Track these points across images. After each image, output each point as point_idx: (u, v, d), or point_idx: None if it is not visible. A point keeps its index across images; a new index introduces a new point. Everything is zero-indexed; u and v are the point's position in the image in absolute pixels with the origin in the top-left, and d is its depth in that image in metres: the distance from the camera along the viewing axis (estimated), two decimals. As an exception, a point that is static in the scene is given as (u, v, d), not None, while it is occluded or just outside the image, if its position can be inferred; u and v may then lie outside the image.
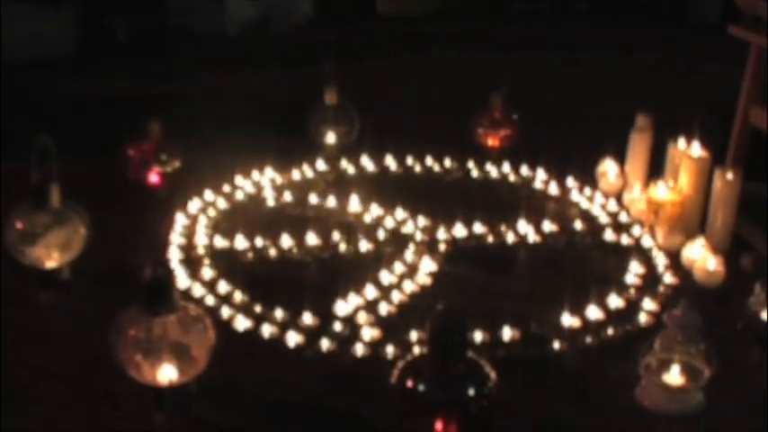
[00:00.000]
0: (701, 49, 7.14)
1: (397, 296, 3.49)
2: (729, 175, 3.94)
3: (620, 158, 4.51)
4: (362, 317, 3.33)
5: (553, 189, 4.56)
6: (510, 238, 4.03)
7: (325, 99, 4.89)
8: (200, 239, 3.93)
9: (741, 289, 3.48)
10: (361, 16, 8.27)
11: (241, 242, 3.87)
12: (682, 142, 4.15)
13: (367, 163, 4.76)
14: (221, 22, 7.54)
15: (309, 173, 4.67)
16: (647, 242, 4.02)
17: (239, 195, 4.40)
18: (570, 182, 4.56)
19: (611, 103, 5.65)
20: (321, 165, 4.73)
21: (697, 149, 4.10)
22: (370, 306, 3.40)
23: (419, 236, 3.98)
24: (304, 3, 8.04)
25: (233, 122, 5.38)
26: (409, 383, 2.60)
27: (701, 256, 3.75)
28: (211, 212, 4.20)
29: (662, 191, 4.05)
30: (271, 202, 4.40)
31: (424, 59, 7.07)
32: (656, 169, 4.31)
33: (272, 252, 3.85)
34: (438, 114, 5.63)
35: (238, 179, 4.48)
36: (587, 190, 4.50)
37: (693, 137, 4.12)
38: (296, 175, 4.63)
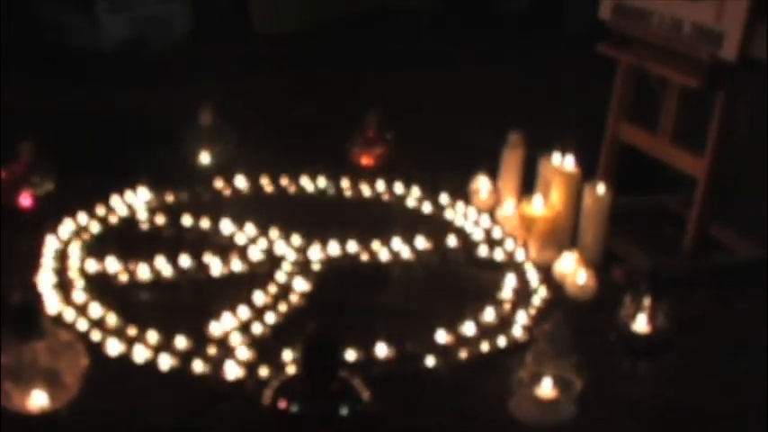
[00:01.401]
0: (572, 63, 7.25)
1: (270, 317, 3.48)
2: (600, 190, 4.02)
3: (493, 174, 4.56)
4: (236, 338, 3.30)
5: (427, 207, 4.59)
6: (384, 256, 4.05)
7: (200, 119, 4.85)
8: (73, 263, 3.85)
9: (612, 301, 3.55)
10: (237, 34, 8.23)
11: (114, 265, 3.82)
12: (553, 158, 4.21)
13: (241, 183, 4.72)
14: (96, 40, 7.42)
15: (184, 194, 4.62)
16: (520, 257, 4.07)
17: (113, 217, 4.34)
18: (444, 199, 4.59)
19: (483, 119, 5.71)
20: (196, 185, 4.68)
21: (568, 164, 4.17)
22: (244, 327, 3.38)
23: (293, 256, 3.97)
24: (181, 20, 7.97)
25: (108, 142, 5.30)
26: (282, 404, 2.59)
27: (573, 270, 3.82)
28: (84, 235, 4.13)
29: (534, 206, 4.11)
30: (144, 224, 4.34)
31: (300, 77, 7.06)
32: (528, 185, 4.37)
33: (146, 275, 3.79)
34: (313, 133, 5.62)
35: (112, 201, 4.41)
36: (461, 206, 4.53)
37: (565, 152, 4.19)
38: (170, 196, 4.58)
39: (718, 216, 4.32)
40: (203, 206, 4.51)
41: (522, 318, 3.56)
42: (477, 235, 4.30)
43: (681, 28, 4.16)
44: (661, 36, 4.24)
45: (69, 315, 3.44)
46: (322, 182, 4.78)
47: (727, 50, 3.91)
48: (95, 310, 3.46)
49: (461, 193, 4.60)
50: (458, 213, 4.51)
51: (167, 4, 7.83)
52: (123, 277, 3.79)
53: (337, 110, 5.91)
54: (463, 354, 3.31)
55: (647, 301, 3.41)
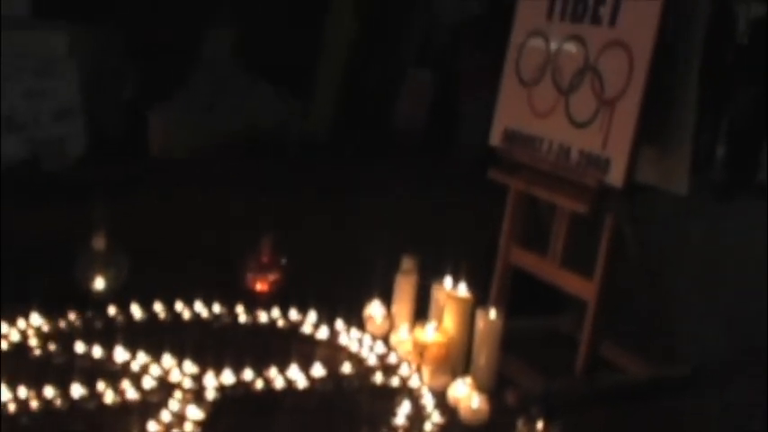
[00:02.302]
0: (466, 188, 7.35)
1: (164, 446, 3.43)
2: (492, 315, 4.06)
3: (387, 300, 4.58)
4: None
5: (322, 333, 4.58)
6: (279, 383, 4.02)
7: (94, 243, 4.81)
8: (-41, 391, 3.76)
9: (506, 425, 3.58)
10: (132, 156, 8.22)
11: (3, 393, 3.73)
12: (446, 283, 4.26)
13: (135, 310, 4.67)
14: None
15: (76, 320, 4.55)
16: (414, 383, 4.08)
17: (3, 344, 4.25)
18: (339, 325, 4.59)
19: (377, 245, 5.75)
20: (88, 312, 4.61)
21: (461, 290, 4.22)
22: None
23: (187, 383, 3.92)
24: (76, 141, 7.94)
25: (-1, 266, 5.22)
26: None
27: (466, 395, 3.84)
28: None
29: (427, 332, 4.13)
30: (36, 351, 4.26)
31: (196, 201, 7.06)
32: (421, 310, 4.40)
33: (35, 403, 3.71)
34: (208, 258, 5.60)
35: (3, 327, 4.32)
36: (355, 332, 4.54)
37: (457, 277, 4.24)
38: (62, 322, 4.50)
39: (609, 335, 4.39)
40: (96, 333, 4.44)
41: (416, 444, 3.56)
42: (372, 361, 4.30)
43: (569, 155, 4.28)
44: (549, 162, 4.36)
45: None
46: (217, 308, 4.74)
47: (614, 177, 4.03)
48: (-19, 442, 3.38)
49: (356, 318, 4.61)
50: (353, 339, 4.51)
51: (62, 125, 7.80)
52: (12, 406, 3.70)
53: (232, 235, 5.90)
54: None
55: (539, 425, 3.45)
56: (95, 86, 8.33)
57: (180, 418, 3.65)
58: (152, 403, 3.78)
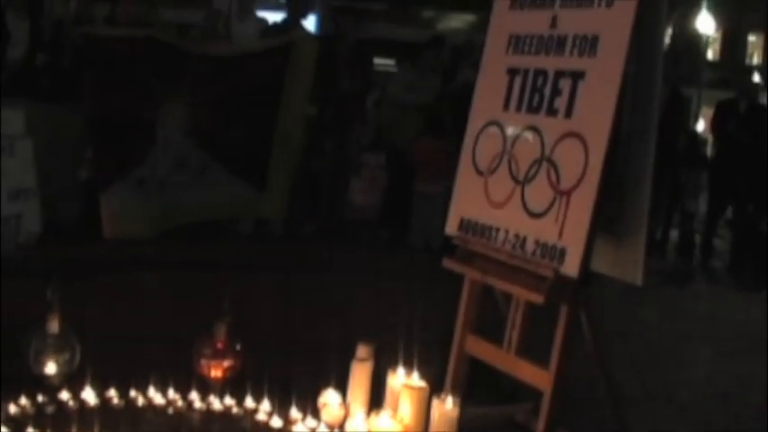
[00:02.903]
0: (422, 276, 7.39)
1: None
2: (448, 403, 4.06)
3: (342, 388, 4.56)
4: None
5: (276, 422, 4.54)
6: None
7: (47, 326, 4.76)
8: None
9: None
10: (89, 236, 8.17)
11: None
12: (401, 371, 4.25)
13: (88, 395, 4.62)
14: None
15: (28, 405, 4.49)
16: (370, 472, 4.06)
17: (-50, 430, 4.20)
18: (294, 413, 4.56)
19: (333, 331, 5.73)
20: (40, 397, 4.56)
21: (416, 378, 4.22)
22: None
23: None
24: (32, 220, 7.89)
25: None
26: None
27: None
28: None
29: (383, 421, 4.12)
30: (-16, 437, 4.21)
31: (149, 284, 7.03)
32: (377, 399, 4.39)
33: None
34: (162, 342, 5.56)
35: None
36: (310, 421, 4.51)
37: (413, 366, 4.24)
38: (13, 408, 4.44)
39: (564, 423, 4.39)
40: (48, 418, 4.38)
41: None
42: (327, 450, 4.28)
43: (524, 244, 4.32)
44: (505, 252, 4.39)
45: None
46: (171, 393, 4.70)
47: (569, 267, 4.07)
48: None
49: (311, 406, 4.58)
50: (308, 428, 4.47)
51: (18, 204, 7.76)
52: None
53: (187, 318, 5.87)
54: None
55: None
56: (52, 166, 8.31)
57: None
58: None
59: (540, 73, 4.53)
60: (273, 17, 10.67)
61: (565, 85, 4.38)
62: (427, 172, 9.73)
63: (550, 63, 4.49)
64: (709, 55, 51.79)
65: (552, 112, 4.40)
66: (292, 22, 10.24)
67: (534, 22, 4.64)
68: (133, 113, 8.10)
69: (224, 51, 8.87)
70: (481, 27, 8.04)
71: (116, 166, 8.01)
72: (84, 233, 8.31)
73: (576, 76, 4.33)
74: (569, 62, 4.39)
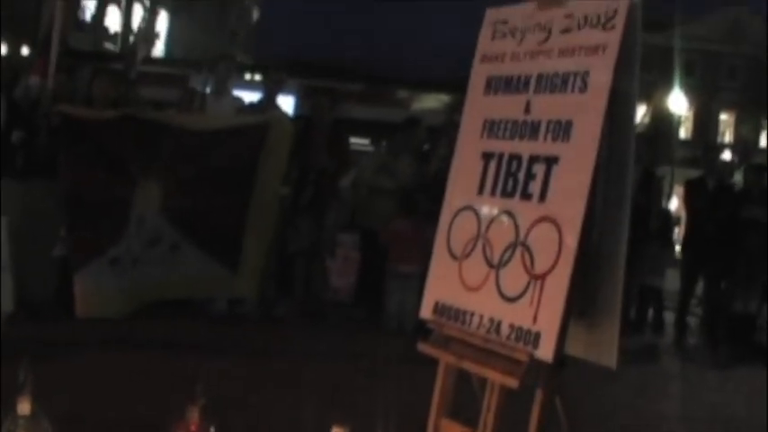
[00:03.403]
0: (396, 357, 7.38)
1: None
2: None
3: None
4: None
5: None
6: None
7: (18, 408, 4.71)
8: None
9: None
10: (62, 316, 8.13)
11: None
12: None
13: (59, 479, 4.57)
14: None
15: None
16: None
17: None
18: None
19: (309, 413, 5.70)
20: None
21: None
22: None
23: None
24: (5, 299, 7.84)
25: None
26: None
27: None
28: None
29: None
30: None
31: (122, 364, 6.98)
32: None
33: None
34: (134, 424, 5.51)
35: None
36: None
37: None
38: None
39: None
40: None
41: None
42: None
43: (499, 329, 4.33)
44: (480, 336, 4.39)
45: None
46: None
47: (544, 351, 4.07)
48: None
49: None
50: None
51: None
52: None
53: (160, 399, 5.82)
54: None
55: None
56: (26, 243, 8.28)
57: None
58: None
59: (515, 158, 4.57)
60: (249, 96, 10.73)
61: (539, 169, 4.42)
62: (400, 253, 9.74)
63: (525, 148, 4.53)
64: (682, 134, 52.65)
65: (527, 196, 4.44)
66: (268, 102, 10.31)
67: (509, 107, 4.70)
68: (108, 192, 8.11)
69: (201, 124, 8.91)
70: (457, 107, 8.10)
71: (90, 245, 8.00)
72: (57, 312, 8.27)
73: (550, 160, 4.37)
74: (543, 147, 4.43)
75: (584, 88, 4.33)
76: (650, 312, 12.37)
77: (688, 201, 11.88)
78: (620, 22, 4.26)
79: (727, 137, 57.62)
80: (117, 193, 8.15)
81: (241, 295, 9.06)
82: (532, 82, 4.62)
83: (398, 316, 9.58)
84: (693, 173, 13.92)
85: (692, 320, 12.62)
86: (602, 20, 4.33)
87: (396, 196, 10.22)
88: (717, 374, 9.64)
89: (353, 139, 13.10)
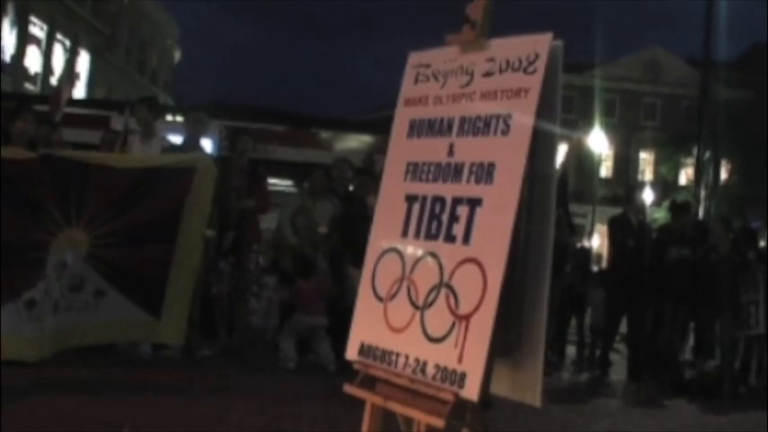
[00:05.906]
0: (323, 396, 7.35)
1: None
2: None
3: None
4: None
5: None
6: None
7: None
8: None
9: None
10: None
11: None
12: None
13: None
14: None
15: None
16: None
17: None
18: None
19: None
20: None
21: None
22: None
23: None
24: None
25: None
26: None
27: None
28: None
29: None
30: None
31: (47, 409, 6.87)
32: None
33: None
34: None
35: None
36: None
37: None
38: None
39: None
40: None
41: None
42: None
43: (425, 369, 4.35)
44: (406, 377, 4.41)
45: None
46: None
47: (469, 390, 4.11)
48: None
49: None
50: None
51: None
52: None
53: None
54: None
55: None
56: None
57: None
58: None
59: (438, 200, 4.61)
60: (172, 138, 10.65)
61: (462, 211, 4.46)
62: (305, 308, 9.75)
63: (448, 190, 4.58)
64: (603, 172, 53.30)
65: (450, 238, 4.48)
66: (192, 143, 10.25)
67: (432, 150, 4.74)
68: (24, 234, 8.01)
69: (126, 164, 8.83)
70: (380, 149, 8.14)
71: (5, 288, 7.89)
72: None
73: (474, 202, 4.42)
74: (467, 189, 4.48)
75: (506, 131, 4.39)
76: (578, 350, 12.48)
77: (612, 237, 12.00)
78: (541, 65, 4.34)
79: (648, 175, 58.44)
80: (33, 236, 8.05)
81: (165, 341, 8.97)
82: (455, 125, 4.67)
83: (320, 358, 9.57)
84: (614, 210, 14.10)
85: (615, 357, 12.76)
86: (524, 63, 4.40)
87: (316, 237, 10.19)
88: (641, 411, 9.72)
89: (277, 180, 13.08)
